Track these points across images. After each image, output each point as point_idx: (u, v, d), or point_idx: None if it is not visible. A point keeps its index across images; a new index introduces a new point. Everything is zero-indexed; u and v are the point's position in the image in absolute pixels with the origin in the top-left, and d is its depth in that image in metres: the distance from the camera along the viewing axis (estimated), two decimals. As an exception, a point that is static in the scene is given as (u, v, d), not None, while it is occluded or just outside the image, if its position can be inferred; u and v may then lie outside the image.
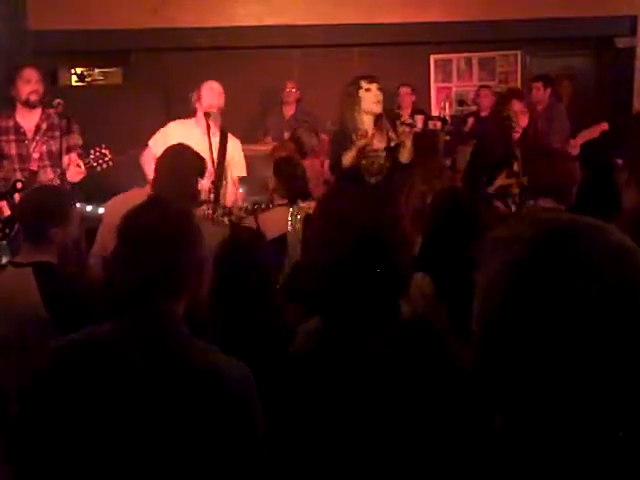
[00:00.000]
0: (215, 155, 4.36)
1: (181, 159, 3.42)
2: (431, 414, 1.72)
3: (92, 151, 4.44)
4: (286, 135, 6.71)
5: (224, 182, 4.43)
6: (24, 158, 4.59)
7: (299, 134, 5.65)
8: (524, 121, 5.19)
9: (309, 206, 3.95)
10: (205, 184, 4.12)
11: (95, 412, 1.57)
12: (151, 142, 4.47)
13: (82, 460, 1.57)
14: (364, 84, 4.46)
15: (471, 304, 2.33)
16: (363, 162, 4.45)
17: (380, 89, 4.47)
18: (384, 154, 4.50)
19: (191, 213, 1.78)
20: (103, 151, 4.42)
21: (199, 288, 1.73)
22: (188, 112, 4.63)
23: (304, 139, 5.56)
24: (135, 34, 7.03)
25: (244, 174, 4.68)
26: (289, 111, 7.09)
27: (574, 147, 5.38)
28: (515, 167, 4.89)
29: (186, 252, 1.66)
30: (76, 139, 4.72)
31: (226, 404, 1.58)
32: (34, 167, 4.58)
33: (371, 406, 1.62)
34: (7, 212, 4.30)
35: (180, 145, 3.54)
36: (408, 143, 4.45)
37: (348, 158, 4.40)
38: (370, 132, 4.47)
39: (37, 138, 4.63)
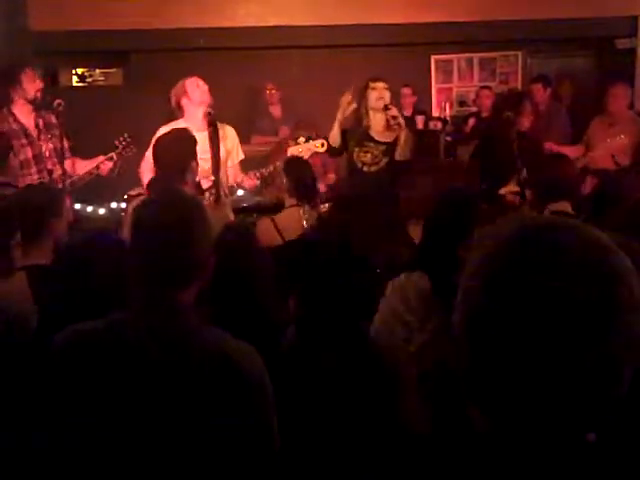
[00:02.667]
0: (214, 150, 4.37)
1: (176, 142, 3.55)
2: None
3: (117, 142, 4.61)
4: (281, 134, 6.75)
5: (222, 173, 4.44)
6: (39, 158, 4.61)
7: (297, 135, 5.65)
8: (529, 122, 5.18)
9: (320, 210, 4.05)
10: (204, 182, 4.14)
11: (109, 401, 1.59)
12: (148, 153, 4.46)
13: (97, 447, 1.59)
14: (371, 83, 4.76)
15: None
16: (357, 150, 4.62)
17: (387, 88, 4.74)
18: (383, 148, 4.70)
19: (202, 204, 1.80)
20: (127, 139, 4.64)
21: (208, 278, 1.74)
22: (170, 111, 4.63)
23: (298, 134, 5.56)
24: (136, 35, 7.04)
25: (242, 157, 4.69)
26: (275, 111, 7.16)
27: (591, 158, 5.36)
28: (524, 174, 4.91)
29: (197, 243, 1.68)
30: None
31: (240, 389, 1.61)
32: (50, 166, 4.62)
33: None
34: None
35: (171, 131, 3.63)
36: (402, 139, 4.57)
37: (333, 135, 4.72)
38: (379, 129, 4.70)
39: (42, 137, 4.64)
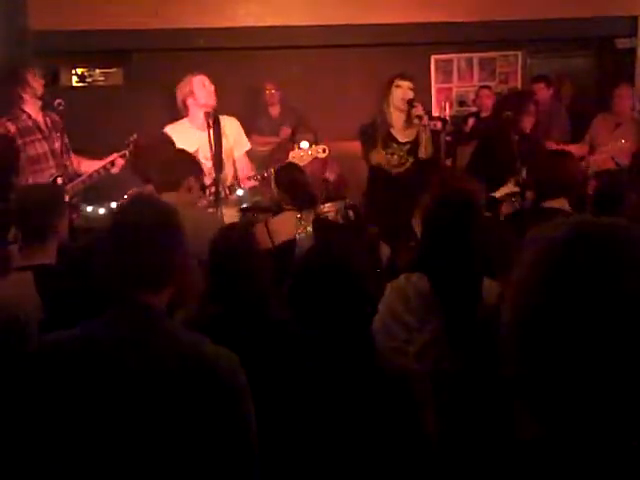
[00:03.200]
0: (215, 149, 4.38)
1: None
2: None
3: (126, 142, 4.65)
4: (282, 134, 6.75)
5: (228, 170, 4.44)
6: (55, 153, 4.68)
7: (296, 134, 5.65)
8: (530, 123, 5.16)
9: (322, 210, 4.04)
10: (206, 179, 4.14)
11: (84, 407, 1.58)
12: None
13: (71, 455, 1.58)
14: (397, 81, 4.72)
15: (467, 304, 2.35)
16: (383, 153, 4.61)
17: (411, 88, 4.71)
18: (407, 147, 4.71)
19: (176, 211, 1.80)
20: (136, 138, 4.67)
21: (183, 283, 1.76)
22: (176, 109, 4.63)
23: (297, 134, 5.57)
24: (136, 34, 7.03)
25: (248, 147, 4.70)
26: (275, 111, 7.15)
27: (593, 160, 5.36)
28: (523, 175, 4.89)
29: (170, 249, 1.70)
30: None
31: (215, 393, 1.60)
32: (65, 161, 4.73)
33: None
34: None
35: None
36: (423, 137, 4.58)
37: (374, 157, 4.66)
38: (400, 127, 4.71)
39: (52, 134, 4.72)
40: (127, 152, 4.60)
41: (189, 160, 3.66)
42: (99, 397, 1.58)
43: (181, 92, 4.52)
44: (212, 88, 4.50)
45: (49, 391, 1.61)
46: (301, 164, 4.44)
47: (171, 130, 4.51)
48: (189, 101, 4.49)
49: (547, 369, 0.86)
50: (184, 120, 4.56)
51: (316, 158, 4.56)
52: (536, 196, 3.45)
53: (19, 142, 4.53)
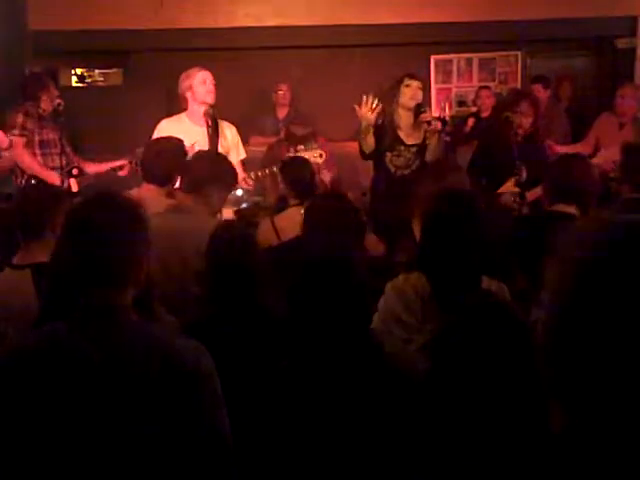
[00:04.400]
0: (212, 146, 4.38)
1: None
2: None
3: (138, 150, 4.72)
4: (283, 135, 6.74)
5: None
6: (60, 142, 4.91)
7: (292, 130, 5.65)
8: (528, 123, 5.15)
9: None
10: None
11: (50, 407, 1.57)
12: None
13: (40, 457, 1.57)
14: (406, 80, 4.66)
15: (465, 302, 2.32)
16: (389, 155, 4.58)
17: (420, 88, 4.66)
18: (414, 150, 4.66)
19: (138, 206, 1.79)
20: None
21: (144, 279, 1.74)
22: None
23: (297, 134, 5.57)
24: (135, 35, 7.04)
25: (243, 156, 4.69)
26: (282, 113, 7.11)
27: (596, 164, 5.37)
28: (523, 175, 4.89)
29: (131, 243, 1.69)
30: None
31: (186, 387, 1.59)
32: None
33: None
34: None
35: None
36: (433, 142, 4.59)
37: (368, 143, 4.59)
38: (408, 129, 4.65)
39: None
40: (135, 161, 4.63)
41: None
42: (64, 396, 1.57)
43: (182, 84, 4.53)
44: (211, 87, 4.49)
45: (14, 393, 1.59)
46: None
47: (168, 123, 4.50)
48: (188, 94, 4.49)
49: (584, 366, 0.87)
50: (182, 114, 4.56)
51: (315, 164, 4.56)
52: (546, 200, 3.39)
53: (31, 126, 4.84)
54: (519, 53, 8.11)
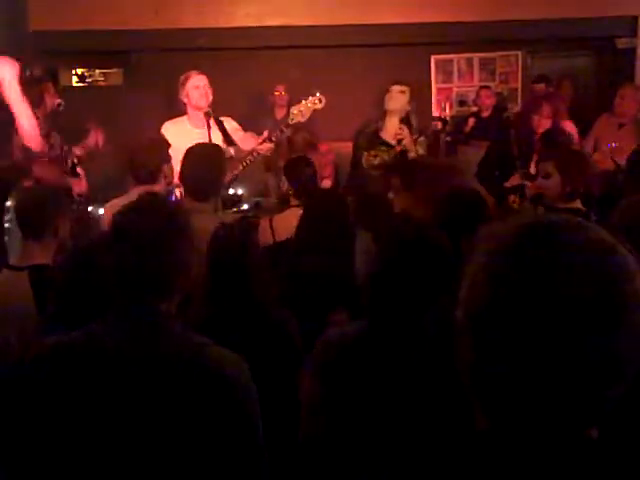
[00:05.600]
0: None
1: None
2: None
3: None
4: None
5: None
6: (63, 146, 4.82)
7: (295, 138, 5.65)
8: (548, 124, 5.14)
9: None
10: None
11: (89, 412, 1.56)
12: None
13: (75, 459, 1.56)
14: (389, 86, 4.80)
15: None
16: (365, 154, 4.60)
17: (402, 92, 4.75)
18: (395, 151, 4.70)
19: (185, 211, 1.77)
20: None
21: (189, 287, 1.72)
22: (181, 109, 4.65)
23: (296, 138, 5.57)
24: (136, 35, 7.03)
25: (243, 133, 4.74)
26: (280, 114, 7.11)
27: (595, 161, 5.37)
28: (532, 169, 4.89)
29: (176, 253, 1.65)
30: None
31: (222, 398, 1.58)
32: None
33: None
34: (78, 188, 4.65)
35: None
36: (419, 150, 4.66)
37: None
38: (391, 133, 4.71)
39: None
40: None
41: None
42: (101, 401, 1.56)
43: (180, 88, 4.55)
44: (204, 91, 4.48)
45: (49, 394, 1.58)
46: (303, 120, 4.56)
47: (169, 125, 4.53)
48: (185, 99, 4.52)
49: (496, 363, 0.87)
50: (183, 117, 4.58)
51: (316, 110, 4.60)
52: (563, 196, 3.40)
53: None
54: (519, 53, 8.11)
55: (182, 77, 4.56)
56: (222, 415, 1.58)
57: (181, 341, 1.64)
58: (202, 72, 4.61)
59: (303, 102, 4.63)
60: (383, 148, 4.68)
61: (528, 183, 4.75)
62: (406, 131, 4.65)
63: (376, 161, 4.67)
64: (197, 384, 1.58)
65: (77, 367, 1.58)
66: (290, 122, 4.62)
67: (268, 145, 4.55)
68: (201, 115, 4.45)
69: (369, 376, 1.89)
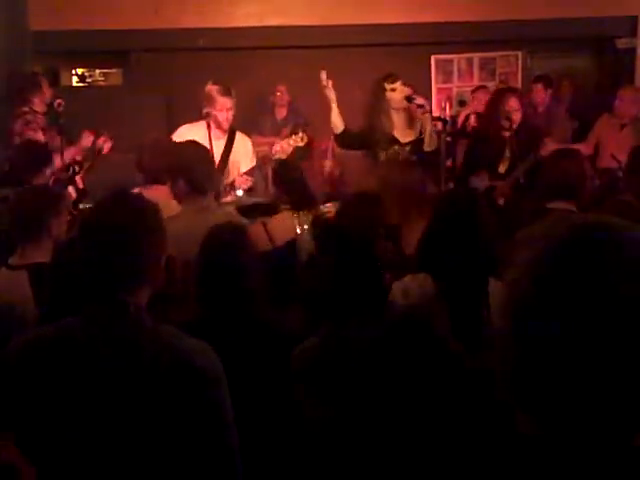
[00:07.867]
0: (223, 156, 4.45)
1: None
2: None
3: None
4: (281, 136, 6.74)
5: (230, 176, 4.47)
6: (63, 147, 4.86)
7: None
8: (517, 118, 5.12)
9: (322, 210, 4.03)
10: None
11: (59, 404, 1.58)
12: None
13: (46, 452, 1.58)
14: (387, 85, 4.70)
15: (472, 304, 2.34)
16: (382, 155, 4.60)
17: (405, 84, 4.70)
18: (409, 147, 4.70)
19: (156, 207, 1.78)
20: None
21: (161, 280, 1.75)
22: (188, 112, 4.63)
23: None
24: (136, 35, 7.04)
25: (253, 164, 4.73)
26: (281, 114, 7.13)
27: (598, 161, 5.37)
28: (500, 169, 4.87)
29: (148, 247, 1.69)
30: None
31: (192, 389, 1.60)
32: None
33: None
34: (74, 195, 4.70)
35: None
36: (427, 128, 4.63)
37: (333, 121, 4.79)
38: (401, 128, 4.70)
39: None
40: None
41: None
42: (74, 394, 1.58)
43: (204, 103, 4.52)
44: (230, 114, 4.49)
45: (22, 389, 1.60)
46: (284, 157, 4.57)
47: (185, 129, 4.53)
48: (206, 112, 4.49)
49: (541, 367, 0.86)
50: (201, 122, 4.56)
51: (297, 147, 4.66)
52: (540, 197, 3.39)
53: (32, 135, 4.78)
54: (519, 53, 8.11)
55: (207, 90, 4.50)
56: (191, 406, 1.59)
57: (151, 334, 1.66)
58: (227, 89, 4.56)
59: (286, 140, 4.78)
60: (397, 147, 4.69)
61: (497, 184, 4.75)
62: (421, 98, 4.66)
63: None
64: (167, 375, 1.60)
65: (46, 360, 1.61)
66: (272, 158, 4.71)
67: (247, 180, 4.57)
68: (224, 127, 4.49)
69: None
